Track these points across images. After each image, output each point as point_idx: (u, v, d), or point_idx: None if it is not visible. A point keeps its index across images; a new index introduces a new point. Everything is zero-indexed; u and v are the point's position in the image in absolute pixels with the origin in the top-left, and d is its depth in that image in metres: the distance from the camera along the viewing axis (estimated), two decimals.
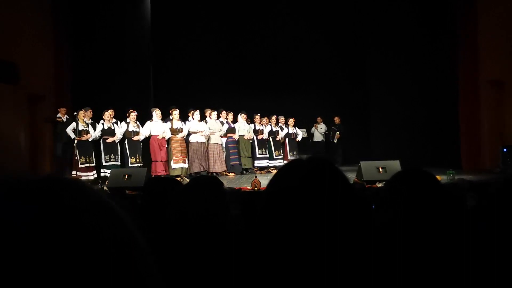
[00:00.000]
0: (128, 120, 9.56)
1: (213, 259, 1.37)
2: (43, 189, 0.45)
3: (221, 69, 13.40)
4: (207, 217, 1.66)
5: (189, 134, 9.90)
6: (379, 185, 6.91)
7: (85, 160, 9.03)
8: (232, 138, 10.69)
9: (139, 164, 9.35)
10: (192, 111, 10.04)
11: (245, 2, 13.07)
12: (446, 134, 11.23)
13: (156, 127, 9.46)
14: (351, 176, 8.87)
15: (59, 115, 9.77)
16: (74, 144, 9.04)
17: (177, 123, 9.62)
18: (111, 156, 9.19)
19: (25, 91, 9.43)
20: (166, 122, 9.71)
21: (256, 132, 11.13)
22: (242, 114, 11.02)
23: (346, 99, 13.40)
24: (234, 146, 10.69)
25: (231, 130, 10.70)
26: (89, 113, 9.42)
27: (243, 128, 10.95)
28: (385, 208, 1.42)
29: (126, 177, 7.56)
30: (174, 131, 9.54)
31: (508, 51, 9.43)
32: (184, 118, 10.05)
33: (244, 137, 10.87)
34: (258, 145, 11.10)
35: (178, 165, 9.46)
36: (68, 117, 9.82)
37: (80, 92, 10.76)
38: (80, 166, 8.97)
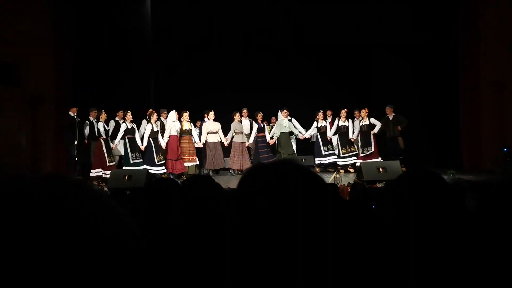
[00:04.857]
0: (150, 120, 10.02)
1: (213, 258, 1.37)
2: (46, 188, 0.45)
3: (223, 70, 13.37)
4: (206, 215, 1.66)
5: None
6: (379, 185, 6.91)
7: (111, 159, 9.58)
8: (263, 137, 10.85)
9: (163, 161, 9.86)
10: (207, 112, 10.60)
11: (249, 3, 13.05)
12: (447, 134, 11.23)
13: (174, 127, 10.05)
14: (352, 177, 8.86)
15: (71, 114, 9.85)
16: (102, 143, 9.53)
17: (186, 124, 10.20)
18: (136, 155, 9.71)
19: (26, 93, 9.43)
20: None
21: (319, 129, 11.01)
22: (284, 111, 10.98)
23: (348, 98, 13.34)
24: (264, 145, 10.83)
25: (261, 129, 10.83)
26: (94, 113, 9.81)
27: (285, 125, 10.90)
28: (390, 209, 1.42)
29: (126, 178, 7.60)
30: (183, 132, 10.13)
31: (509, 52, 9.43)
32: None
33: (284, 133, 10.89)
34: (322, 142, 10.94)
35: (187, 163, 10.10)
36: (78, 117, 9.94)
37: (81, 94, 10.76)
38: (108, 164, 9.45)
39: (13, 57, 8.87)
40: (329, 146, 10.91)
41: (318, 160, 11.05)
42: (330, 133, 10.93)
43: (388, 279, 1.22)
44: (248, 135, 10.77)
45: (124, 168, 9.51)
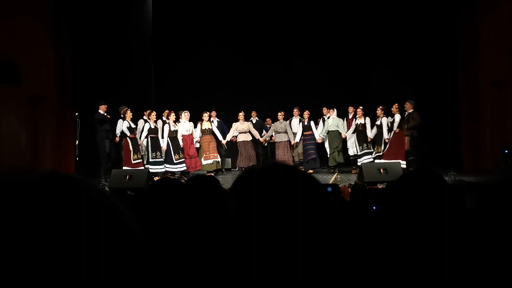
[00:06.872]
0: (167, 120, 10.34)
1: (213, 258, 1.37)
2: (45, 187, 0.45)
3: (224, 69, 13.35)
4: (205, 216, 1.67)
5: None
6: (380, 186, 6.91)
7: (137, 156, 9.71)
8: (310, 135, 10.79)
9: (181, 160, 10.16)
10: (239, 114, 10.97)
11: (250, 3, 13.03)
12: (447, 135, 11.20)
13: (183, 127, 10.31)
14: (353, 178, 8.85)
15: (101, 112, 9.89)
16: (129, 141, 9.69)
17: (206, 124, 10.58)
18: (157, 154, 9.92)
19: (26, 91, 9.42)
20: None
21: (357, 126, 10.65)
22: (331, 109, 10.91)
23: (348, 98, 13.32)
24: (309, 143, 10.76)
25: (308, 127, 10.81)
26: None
27: (330, 123, 10.82)
28: (391, 210, 1.42)
29: (127, 177, 7.60)
30: (204, 131, 10.53)
31: (508, 52, 9.43)
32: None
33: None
34: (358, 141, 10.55)
35: (208, 161, 10.40)
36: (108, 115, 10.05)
37: (81, 93, 10.76)
38: (133, 162, 9.58)
39: (13, 56, 8.86)
40: (364, 145, 10.38)
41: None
42: (371, 133, 10.39)
43: (388, 278, 1.23)
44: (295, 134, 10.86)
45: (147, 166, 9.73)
